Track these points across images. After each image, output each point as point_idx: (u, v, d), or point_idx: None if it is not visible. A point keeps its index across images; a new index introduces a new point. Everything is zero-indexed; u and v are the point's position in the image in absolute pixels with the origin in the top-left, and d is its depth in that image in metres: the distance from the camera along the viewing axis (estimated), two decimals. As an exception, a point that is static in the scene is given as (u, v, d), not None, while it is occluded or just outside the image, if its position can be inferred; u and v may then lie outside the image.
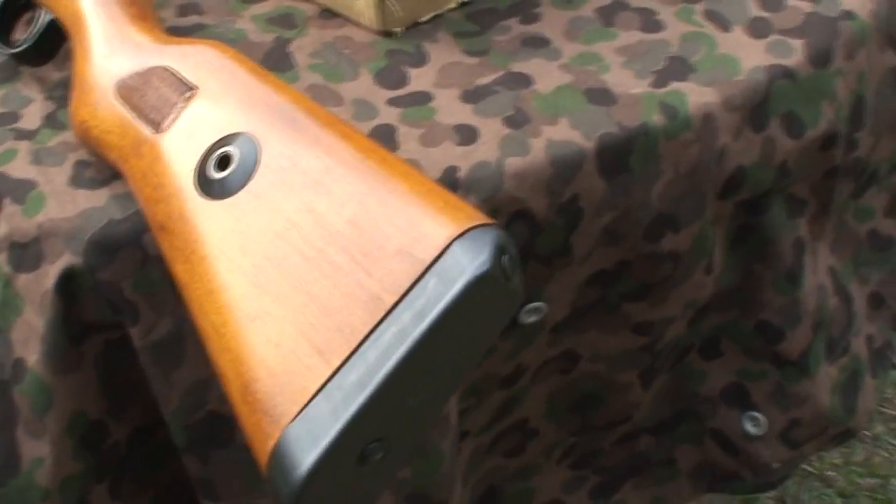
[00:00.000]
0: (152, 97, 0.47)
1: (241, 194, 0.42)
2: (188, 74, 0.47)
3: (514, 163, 0.53)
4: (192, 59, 0.48)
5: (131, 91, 0.48)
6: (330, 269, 0.39)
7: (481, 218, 0.39)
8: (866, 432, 1.29)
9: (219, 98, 0.45)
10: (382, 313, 0.37)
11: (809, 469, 1.21)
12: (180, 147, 0.45)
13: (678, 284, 0.62)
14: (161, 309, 0.50)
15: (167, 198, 0.44)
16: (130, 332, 0.50)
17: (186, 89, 0.47)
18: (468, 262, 0.37)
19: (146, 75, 0.48)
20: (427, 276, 0.37)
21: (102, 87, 0.49)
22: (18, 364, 0.49)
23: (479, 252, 0.37)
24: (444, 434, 0.57)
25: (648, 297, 0.62)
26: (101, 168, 0.51)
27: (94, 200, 0.50)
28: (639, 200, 0.57)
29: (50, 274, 0.48)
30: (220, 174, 0.43)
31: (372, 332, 0.37)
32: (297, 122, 0.43)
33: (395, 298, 0.37)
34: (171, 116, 0.46)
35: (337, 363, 0.37)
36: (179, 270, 0.43)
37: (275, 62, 0.59)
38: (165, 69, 0.48)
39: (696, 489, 0.76)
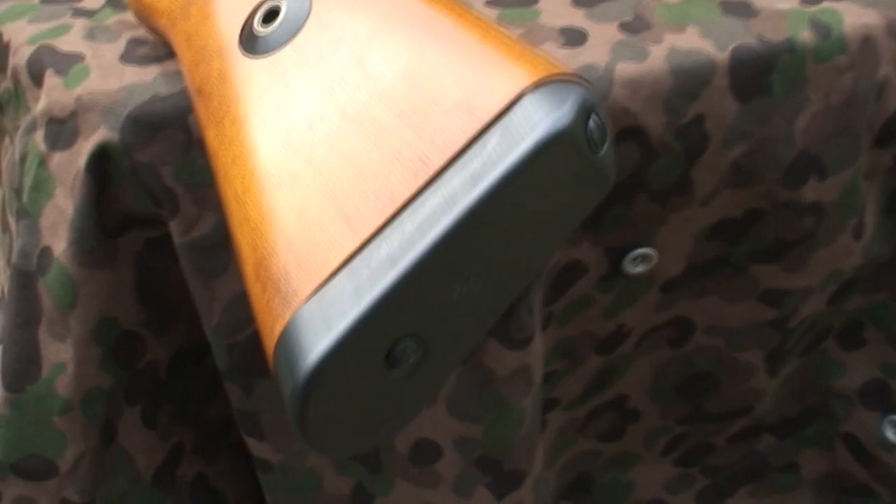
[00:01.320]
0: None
1: (286, 50, 0.35)
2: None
3: (627, 68, 0.45)
4: None
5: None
6: (373, 128, 0.31)
7: (564, 69, 0.30)
8: None
9: None
10: (428, 176, 0.29)
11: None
12: (229, 5, 0.39)
13: (820, 246, 0.52)
14: (204, 203, 0.43)
15: (208, 59, 0.38)
16: (170, 227, 0.44)
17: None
18: (541, 118, 0.28)
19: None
20: (488, 133, 0.29)
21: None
22: (45, 254, 0.44)
23: (556, 106, 0.29)
24: (526, 390, 0.49)
25: (783, 259, 0.52)
26: (156, 46, 0.46)
27: (142, 76, 0.44)
28: (778, 132, 0.47)
29: (83, 151, 0.43)
30: (266, 29, 0.36)
31: (413, 198, 0.29)
32: None
33: (445, 159, 0.29)
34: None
35: (367, 233, 0.29)
36: (210, 137, 0.36)
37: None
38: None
39: (821, 501, 0.65)
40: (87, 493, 0.48)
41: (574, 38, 0.46)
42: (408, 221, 0.29)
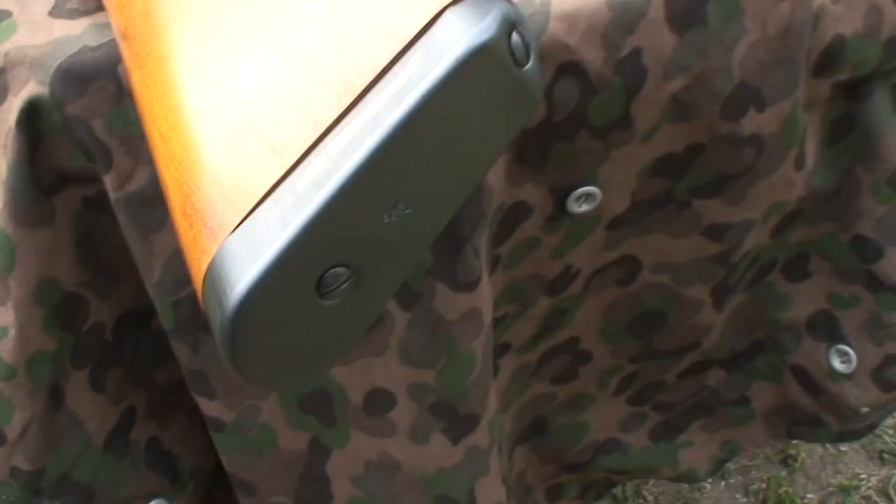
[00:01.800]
0: None
1: None
2: None
3: (562, 2, 0.45)
4: None
5: None
6: (295, 53, 0.31)
7: None
8: None
9: None
10: (351, 98, 0.29)
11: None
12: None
13: (761, 178, 0.52)
14: (139, 156, 0.42)
15: (132, 0, 0.37)
16: (105, 183, 0.43)
17: None
18: (462, 32, 0.28)
19: None
20: (410, 51, 0.29)
21: None
22: (-21, 215, 0.43)
23: (477, 20, 0.28)
24: (475, 333, 0.49)
25: (724, 192, 0.52)
26: (85, 0, 0.44)
27: (71, 29, 0.43)
28: (716, 64, 0.47)
29: (14, 107, 0.42)
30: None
31: (337, 122, 0.29)
32: None
33: (369, 80, 0.29)
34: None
35: (292, 160, 0.29)
36: (136, 78, 0.35)
37: None
38: None
39: (772, 434, 0.66)
40: (38, 460, 0.48)
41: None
42: (332, 145, 0.28)
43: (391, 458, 0.52)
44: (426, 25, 0.29)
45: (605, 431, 0.66)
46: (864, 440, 1.13)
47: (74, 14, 0.44)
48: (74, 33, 0.43)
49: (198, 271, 0.30)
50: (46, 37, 0.43)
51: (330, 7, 0.31)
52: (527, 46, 0.30)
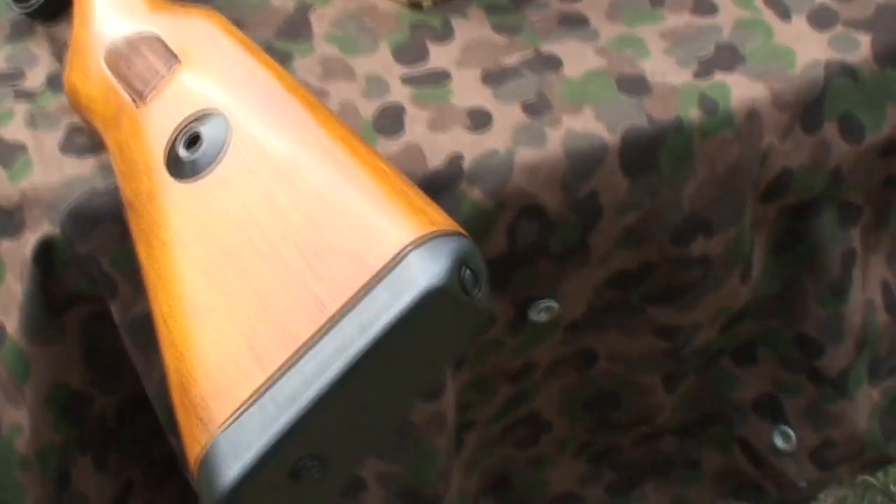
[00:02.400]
0: (140, 66, 0.45)
1: (208, 178, 0.39)
2: (174, 44, 0.44)
3: (526, 154, 0.49)
4: (180, 29, 0.45)
5: (119, 57, 0.45)
6: (281, 267, 0.36)
7: (446, 224, 0.35)
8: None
9: (200, 72, 0.43)
10: (324, 321, 0.34)
11: (873, 482, 1.15)
12: (158, 122, 0.42)
13: (709, 291, 0.57)
14: (141, 286, 0.47)
15: (137, 174, 0.42)
16: (110, 307, 0.48)
17: (172, 60, 0.44)
18: (420, 273, 0.33)
19: (135, 42, 0.45)
20: (376, 284, 0.34)
21: (94, 51, 0.47)
22: (-1, 330, 0.48)
23: (434, 262, 0.34)
24: (439, 433, 0.55)
25: (675, 301, 0.58)
26: (92, 134, 0.49)
27: (80, 168, 0.48)
28: (666, 201, 0.52)
29: (29, 243, 0.47)
30: (189, 154, 0.40)
31: (312, 341, 0.34)
32: (273, 103, 0.40)
33: (339, 305, 0.34)
34: (155, 89, 0.43)
35: (272, 371, 0.34)
36: (141, 251, 0.41)
37: (292, 29, 0.56)
38: (155, 37, 0.45)
39: (719, 495, 0.72)
40: None
41: (480, 120, 0.51)
42: (308, 363, 0.34)
43: (364, 530, 0.58)
44: (391, 261, 0.34)
45: (564, 486, 0.72)
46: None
47: (83, 152, 0.49)
48: (84, 173, 0.48)
49: (192, 454, 0.35)
50: (58, 176, 0.48)
51: (313, 225, 0.36)
52: (476, 278, 0.35)
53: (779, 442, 0.67)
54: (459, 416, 0.60)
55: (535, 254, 0.52)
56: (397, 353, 0.34)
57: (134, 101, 0.44)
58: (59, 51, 0.55)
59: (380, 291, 0.34)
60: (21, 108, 0.51)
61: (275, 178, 0.38)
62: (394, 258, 0.34)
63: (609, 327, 0.59)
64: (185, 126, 0.41)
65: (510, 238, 0.51)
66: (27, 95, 0.52)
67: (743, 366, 0.67)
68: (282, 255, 0.36)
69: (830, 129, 0.55)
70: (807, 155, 0.55)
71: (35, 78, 0.53)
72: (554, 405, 0.64)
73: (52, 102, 0.51)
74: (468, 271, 0.35)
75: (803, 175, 0.55)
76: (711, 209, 0.54)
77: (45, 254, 0.47)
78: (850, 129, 0.55)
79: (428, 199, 0.37)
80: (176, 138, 0.41)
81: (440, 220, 0.36)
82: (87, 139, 0.49)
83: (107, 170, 0.48)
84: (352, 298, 0.34)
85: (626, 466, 0.72)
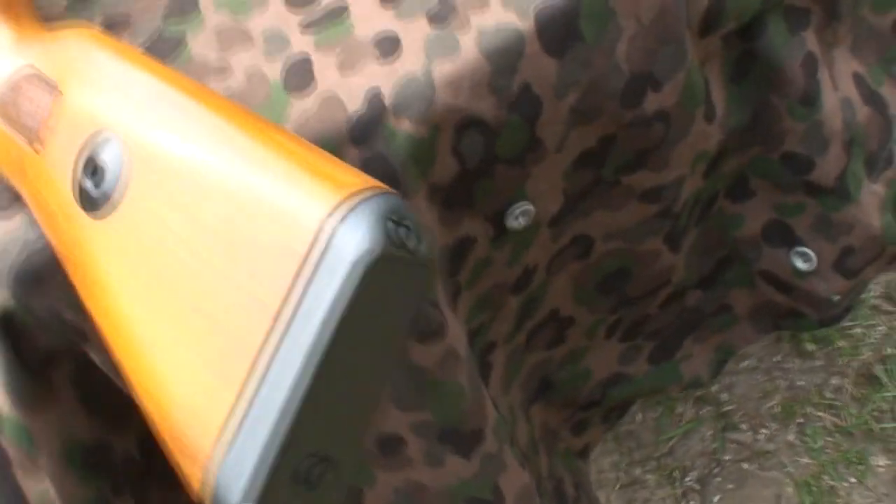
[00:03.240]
0: (25, 104, 0.43)
1: (122, 206, 0.38)
2: (49, 70, 0.42)
3: (444, 68, 0.47)
4: (52, 54, 0.43)
5: (4, 101, 0.43)
6: (214, 277, 0.34)
7: (357, 184, 0.33)
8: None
9: (81, 95, 0.40)
10: (270, 321, 0.33)
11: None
12: (58, 160, 0.40)
13: (677, 142, 0.55)
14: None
15: (56, 220, 0.40)
16: (87, 352, 0.47)
17: (49, 88, 0.42)
18: (347, 246, 0.32)
19: (14, 81, 0.43)
20: (306, 269, 0.32)
21: (-17, 105, 0.45)
22: (-9, 410, 0.47)
23: (356, 229, 0.32)
24: (457, 367, 0.53)
25: (648, 163, 0.55)
26: (7, 189, 0.48)
27: (8, 226, 0.46)
28: (602, 69, 0.50)
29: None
30: (94, 184, 0.39)
31: (265, 344, 0.33)
32: (157, 109, 0.38)
33: (279, 301, 0.32)
34: (44, 127, 0.41)
35: (238, 387, 0.33)
36: (84, 298, 0.39)
37: (179, 6, 0.53)
38: (31, 71, 0.43)
39: (760, 330, 0.71)
40: None
41: (388, 47, 0.48)
42: (270, 370, 0.32)
43: (416, 482, 0.57)
44: (315, 242, 0.32)
45: (606, 370, 0.71)
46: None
47: (5, 208, 0.47)
48: (14, 231, 0.46)
49: (193, 494, 0.34)
50: (-8, 241, 0.46)
51: (231, 226, 0.34)
52: (410, 228, 0.33)
53: (799, 263, 0.65)
54: (477, 341, 0.59)
55: (488, 164, 0.50)
56: (354, 327, 0.33)
57: (31, 144, 0.42)
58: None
59: (314, 276, 0.32)
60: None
61: (182, 186, 0.36)
62: (315, 237, 0.32)
63: (593, 209, 0.57)
64: (81, 156, 0.39)
65: (458, 157, 0.49)
66: None
67: (740, 201, 0.65)
68: (212, 264, 0.34)
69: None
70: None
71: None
72: (568, 299, 0.63)
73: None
74: (393, 224, 0.33)
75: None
76: (652, 60, 0.51)
77: (6, 323, 0.46)
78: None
79: (334, 160, 0.35)
80: (78, 172, 0.40)
81: (350, 180, 0.34)
82: (6, 192, 0.48)
83: (33, 222, 0.46)
84: (289, 290, 0.33)
85: (661, 332, 0.71)
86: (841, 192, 0.60)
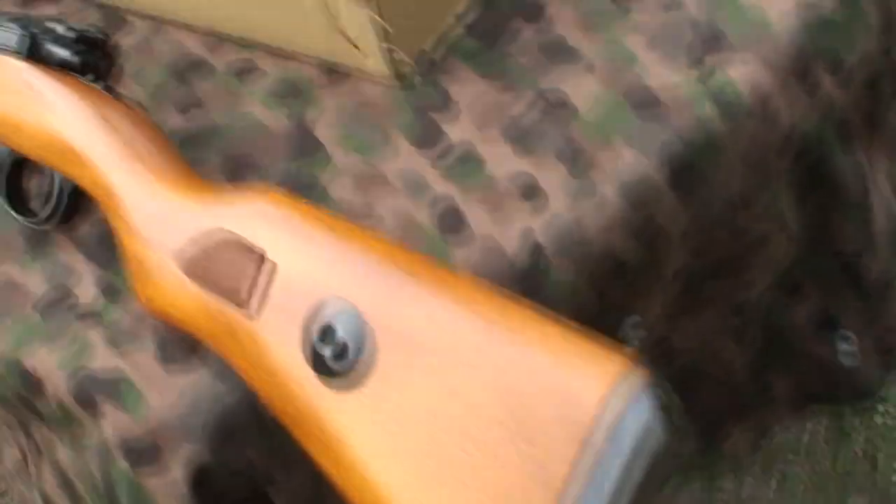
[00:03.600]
0: (222, 266, 0.44)
1: (371, 381, 0.39)
2: (249, 235, 0.44)
3: (588, 213, 0.51)
4: (248, 219, 0.44)
5: (196, 263, 0.45)
6: (491, 451, 0.36)
7: (623, 360, 0.36)
8: None
9: (295, 261, 0.43)
10: (560, 487, 0.36)
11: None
12: (278, 325, 0.42)
13: (756, 252, 0.61)
14: (290, 463, 0.48)
15: (284, 386, 0.42)
16: (269, 492, 0.49)
17: (255, 255, 0.43)
18: (633, 420, 0.35)
19: (203, 242, 0.45)
20: (594, 440, 0.35)
21: (160, 262, 0.46)
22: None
23: (638, 402, 0.35)
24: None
25: (730, 273, 0.61)
26: (183, 339, 0.49)
27: (192, 378, 0.48)
28: (719, 207, 0.55)
29: (178, 475, 0.47)
30: (333, 353, 0.40)
31: None
32: (382, 273, 0.40)
33: (566, 469, 0.35)
34: (256, 292, 0.43)
35: None
36: (323, 465, 0.41)
37: (302, 147, 0.56)
38: (224, 231, 0.45)
39: (796, 408, 0.77)
40: None
41: (527, 190, 0.52)
42: None
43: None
44: (597, 417, 0.35)
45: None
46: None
47: (184, 360, 0.48)
48: (199, 384, 0.48)
49: None
50: (174, 395, 0.47)
51: (501, 401, 0.36)
52: (668, 394, 0.36)
53: (841, 345, 0.71)
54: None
55: (612, 282, 0.55)
56: (635, 494, 0.36)
57: (238, 306, 0.43)
58: (92, 253, 0.54)
59: (599, 445, 0.35)
60: (94, 333, 0.50)
61: (443, 362, 0.38)
62: (599, 411, 0.35)
63: (678, 316, 0.62)
64: (314, 324, 0.41)
65: (600, 298, 0.53)
66: (91, 315, 0.51)
67: (792, 296, 0.70)
68: (486, 435, 0.36)
69: (817, 70, 0.58)
70: (804, 101, 0.58)
71: (86, 292, 0.53)
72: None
73: (117, 314, 0.51)
74: (661, 393, 0.36)
75: (806, 124, 0.58)
76: (746, 186, 0.57)
77: (202, 478, 0.47)
78: (832, 65, 0.58)
79: (586, 330, 0.38)
80: (307, 337, 0.41)
81: (614, 355, 0.36)
82: (180, 343, 0.49)
83: (220, 374, 0.48)
84: (576, 458, 0.35)
85: (706, 413, 0.76)
86: (884, 288, 0.67)
